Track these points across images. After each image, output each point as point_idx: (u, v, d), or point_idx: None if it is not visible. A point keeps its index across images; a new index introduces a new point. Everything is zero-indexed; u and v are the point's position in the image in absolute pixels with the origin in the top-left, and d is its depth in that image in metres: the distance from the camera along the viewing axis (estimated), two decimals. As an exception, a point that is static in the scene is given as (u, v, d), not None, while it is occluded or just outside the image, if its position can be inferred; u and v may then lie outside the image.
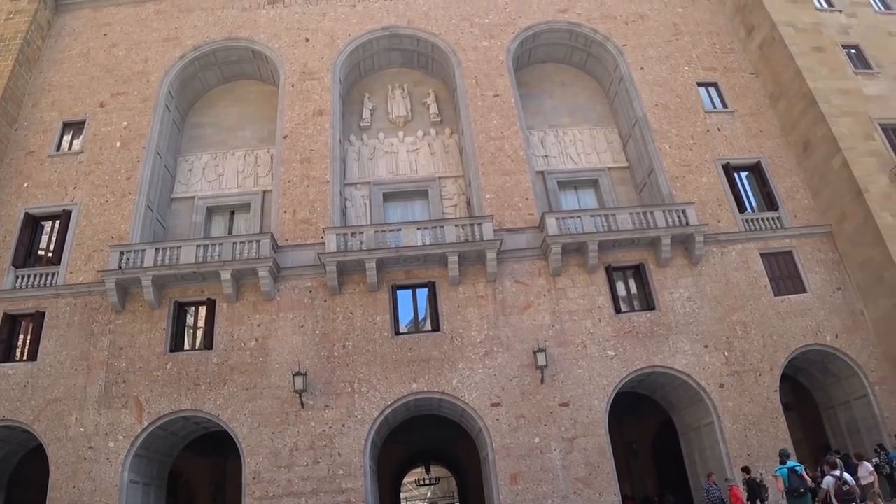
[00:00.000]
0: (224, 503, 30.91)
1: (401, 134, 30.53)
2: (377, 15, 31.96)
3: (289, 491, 21.45)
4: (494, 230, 25.26)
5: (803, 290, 25.76)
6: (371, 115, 31.19)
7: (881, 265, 24.56)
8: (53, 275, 25.00)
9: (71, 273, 24.94)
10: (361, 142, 30.36)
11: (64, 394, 22.58)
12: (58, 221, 26.27)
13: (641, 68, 30.90)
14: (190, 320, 24.79)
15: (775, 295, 25.50)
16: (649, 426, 32.75)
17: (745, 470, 20.00)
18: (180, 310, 24.64)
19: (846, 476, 14.29)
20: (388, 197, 29.14)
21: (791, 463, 15.36)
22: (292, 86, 29.83)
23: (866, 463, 20.05)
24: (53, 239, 25.98)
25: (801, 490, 14.49)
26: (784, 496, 15.13)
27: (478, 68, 30.44)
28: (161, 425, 22.68)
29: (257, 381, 22.98)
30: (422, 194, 29.27)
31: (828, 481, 14.62)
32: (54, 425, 22.13)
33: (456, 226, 25.21)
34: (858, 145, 26.61)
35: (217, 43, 31.11)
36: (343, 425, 22.45)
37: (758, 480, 19.84)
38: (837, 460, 16.01)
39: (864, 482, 18.72)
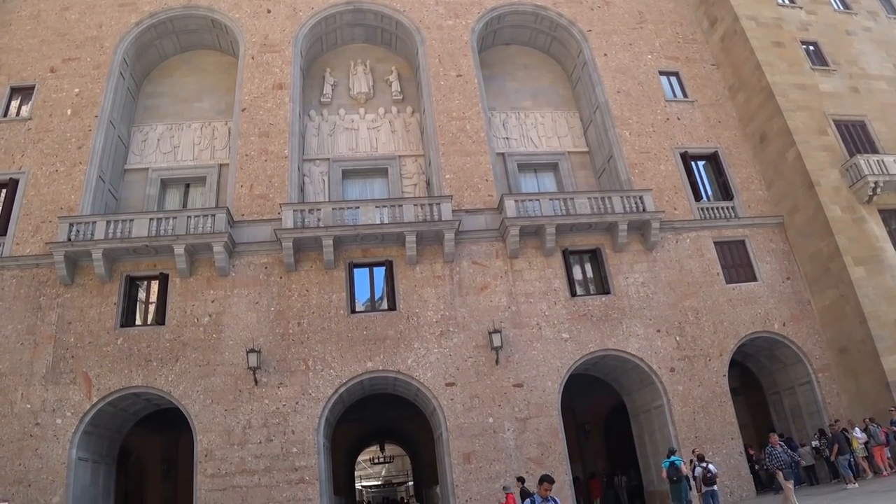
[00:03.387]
0: (176, 481, 30.56)
1: (362, 111, 30.17)
2: (341, -11, 31.41)
3: (241, 469, 21.30)
4: (453, 210, 25.23)
5: (754, 279, 26.42)
6: (332, 90, 30.74)
7: (828, 257, 25.30)
8: (-1, 245, 24.19)
9: (17, 244, 24.08)
10: (321, 117, 29.92)
11: (9, 369, 21.89)
12: (4, 190, 25.29)
13: (605, 54, 31.05)
14: (142, 295, 24.26)
15: (727, 283, 26.11)
16: (601, 408, 33.33)
17: (521, 480, 20.40)
18: (132, 284, 24.09)
19: (710, 466, 17.78)
20: (347, 174, 28.85)
21: (674, 458, 18.83)
22: (252, 58, 29.19)
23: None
24: (-1, 208, 25.09)
25: (675, 478, 18.33)
26: (668, 482, 18.68)
27: (441, 47, 30.21)
28: (111, 402, 22.22)
29: (210, 358, 22.67)
30: (381, 172, 29.05)
31: (697, 470, 18.17)
32: (-2, 400, 21.54)
33: (415, 205, 25.11)
34: (812, 140, 27.25)
35: (175, 10, 30.17)
36: (297, 403, 22.33)
37: (530, 491, 19.96)
38: (702, 454, 19.38)
39: (805, 463, 21.69)
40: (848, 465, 21.07)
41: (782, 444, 18.34)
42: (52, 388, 21.78)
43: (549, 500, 9.69)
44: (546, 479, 9.75)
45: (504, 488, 20.14)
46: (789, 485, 16.56)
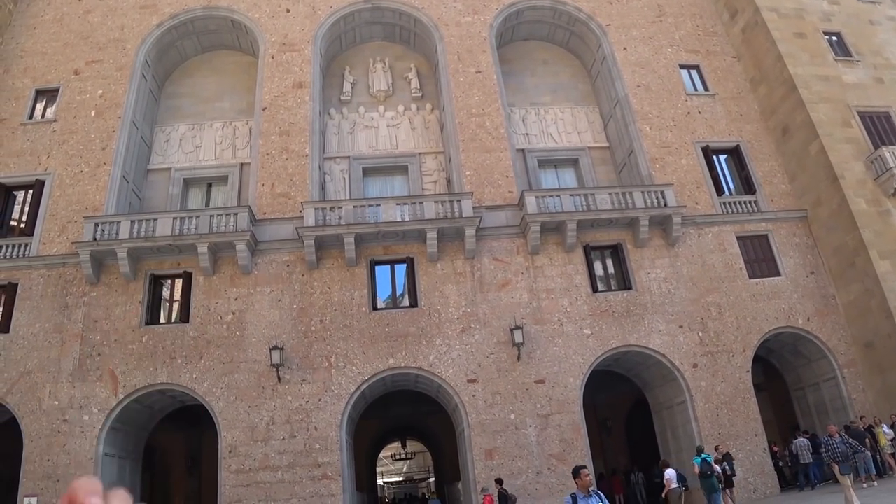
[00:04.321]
0: (200, 477, 30.93)
1: (381, 108, 30.27)
2: (360, -13, 31.51)
3: (265, 465, 21.50)
4: (474, 207, 25.24)
5: (777, 274, 26.15)
6: (352, 88, 30.87)
7: (853, 251, 24.96)
8: (26, 246, 24.55)
9: (44, 244, 24.51)
10: (341, 115, 30.06)
11: (37, 366, 22.30)
12: (30, 191, 25.74)
13: (624, 48, 30.87)
14: (166, 293, 24.57)
15: (750, 277, 25.85)
16: (623, 404, 33.20)
17: (499, 482, 20.51)
18: (156, 283, 24.40)
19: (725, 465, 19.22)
20: (367, 172, 28.97)
21: (704, 455, 19.03)
22: (272, 57, 29.39)
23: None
24: (26, 209, 25.48)
25: (709, 473, 18.35)
26: (699, 478, 18.73)
27: (460, 44, 30.21)
28: (137, 398, 22.53)
29: (234, 355, 22.90)
30: (401, 170, 29.14)
31: (717, 468, 18.76)
32: (28, 398, 21.87)
33: (435, 202, 25.15)
34: (836, 132, 26.88)
35: (195, 11, 30.46)
36: (320, 400, 22.49)
37: (508, 493, 20.26)
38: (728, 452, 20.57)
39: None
40: (873, 461, 20.85)
41: (841, 433, 17.14)
42: (80, 386, 22.13)
43: (592, 496, 8.31)
44: (582, 468, 8.54)
45: (482, 490, 20.41)
46: (846, 480, 15.58)
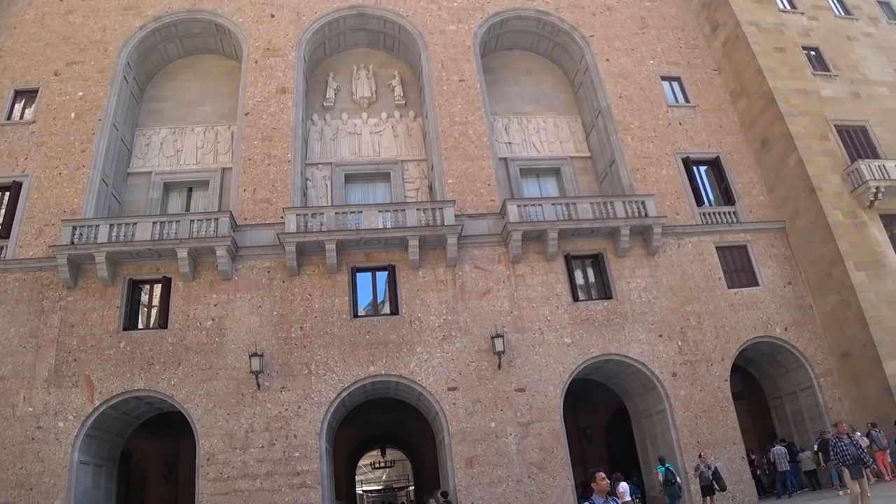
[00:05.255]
0: (177, 484, 30.55)
1: (364, 115, 30.23)
2: (344, -7, 31.52)
3: (244, 473, 21.29)
4: (456, 215, 25.27)
5: (756, 284, 26.44)
6: (335, 94, 30.81)
7: (830, 262, 25.32)
8: (2, 249, 24.13)
9: (20, 247, 24.12)
10: (324, 122, 29.99)
11: (11, 372, 21.90)
12: (7, 193, 25.33)
13: (607, 59, 31.13)
14: (144, 298, 24.29)
15: (729, 287, 26.13)
16: (603, 412, 33.31)
17: (444, 494, 21.02)
18: (135, 287, 24.12)
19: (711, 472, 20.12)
20: (349, 178, 28.91)
21: (668, 464, 20.31)
22: (255, 62, 29.27)
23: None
24: (2, 212, 25.03)
25: (672, 481, 19.63)
26: (664, 485, 19.96)
27: (444, 52, 30.30)
28: (113, 405, 22.21)
29: (213, 362, 22.69)
30: (384, 177, 29.11)
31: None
32: (1, 404, 21.42)
33: (417, 209, 25.16)
34: (814, 145, 27.31)
35: (179, 14, 30.28)
36: (299, 407, 22.34)
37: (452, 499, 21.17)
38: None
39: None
40: None
41: (849, 434, 15.56)
42: (55, 392, 21.78)
43: (609, 501, 7.97)
44: (597, 472, 8.12)
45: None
46: (856, 487, 14.36)
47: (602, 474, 8.05)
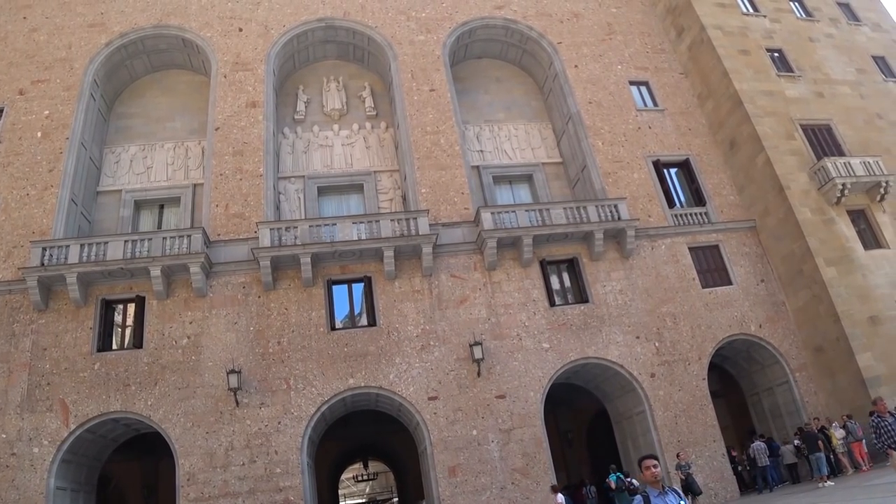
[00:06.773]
0: (156, 505, 30.06)
1: (336, 127, 30.17)
2: (312, 5, 31.46)
3: (225, 491, 21.02)
4: (430, 224, 25.29)
5: (729, 283, 26.81)
6: (305, 107, 30.73)
7: (801, 258, 25.76)
8: (-31, 272, 23.70)
9: (-12, 270, 23.70)
10: (296, 135, 29.86)
11: (-18, 397, 21.47)
12: (-27, 216, 24.90)
13: (576, 66, 31.43)
14: (118, 318, 23.93)
15: (703, 287, 26.45)
16: (584, 416, 33.45)
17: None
18: (108, 308, 23.76)
19: (633, 480, 20.67)
20: (322, 191, 28.81)
21: (619, 473, 22.47)
22: (224, 76, 29.10)
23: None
24: (-31, 234, 24.61)
25: (623, 488, 20.96)
26: (615, 493, 21.66)
27: (414, 62, 30.37)
28: (89, 428, 21.80)
29: (190, 380, 22.40)
30: (357, 188, 29.06)
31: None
32: (-28, 430, 21.03)
33: (391, 220, 25.14)
34: (780, 145, 27.80)
35: (145, 30, 30.02)
36: (279, 423, 22.14)
37: None
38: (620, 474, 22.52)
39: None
40: (827, 461, 21.42)
41: (892, 412, 13.89)
42: (28, 417, 21.34)
43: (667, 492, 6.94)
44: (647, 457, 7.13)
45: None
46: None
47: (652, 461, 6.99)
